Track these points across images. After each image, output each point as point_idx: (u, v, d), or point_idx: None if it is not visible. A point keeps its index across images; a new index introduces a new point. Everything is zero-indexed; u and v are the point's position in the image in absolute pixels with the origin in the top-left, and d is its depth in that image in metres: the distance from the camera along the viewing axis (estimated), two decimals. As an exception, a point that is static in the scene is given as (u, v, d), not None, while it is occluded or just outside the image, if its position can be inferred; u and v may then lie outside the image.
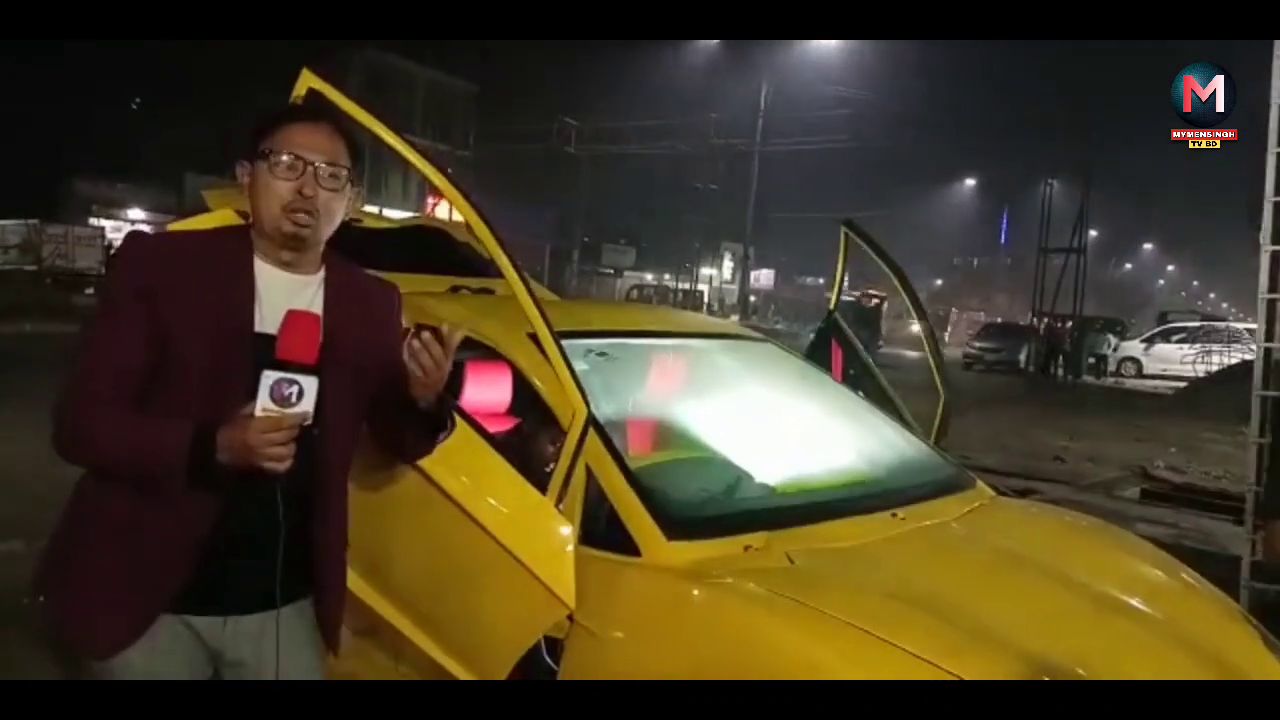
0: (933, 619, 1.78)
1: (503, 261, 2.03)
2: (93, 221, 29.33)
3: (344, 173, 1.60)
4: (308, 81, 2.01)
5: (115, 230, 29.59)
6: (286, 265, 1.61)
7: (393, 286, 1.82)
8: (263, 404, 1.40)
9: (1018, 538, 2.41)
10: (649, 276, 45.76)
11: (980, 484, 2.80)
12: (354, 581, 1.88)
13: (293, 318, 1.47)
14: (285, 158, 1.55)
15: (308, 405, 1.42)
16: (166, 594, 1.53)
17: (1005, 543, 2.34)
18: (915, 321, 3.82)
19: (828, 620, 1.70)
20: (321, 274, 1.65)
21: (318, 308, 1.60)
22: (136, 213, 31.25)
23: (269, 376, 1.40)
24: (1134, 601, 2.19)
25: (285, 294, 1.57)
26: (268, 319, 1.53)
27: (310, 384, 1.42)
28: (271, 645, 1.59)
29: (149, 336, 1.49)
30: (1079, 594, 2.14)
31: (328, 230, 1.62)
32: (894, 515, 2.30)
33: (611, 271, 45.12)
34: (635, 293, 39.34)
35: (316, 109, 1.67)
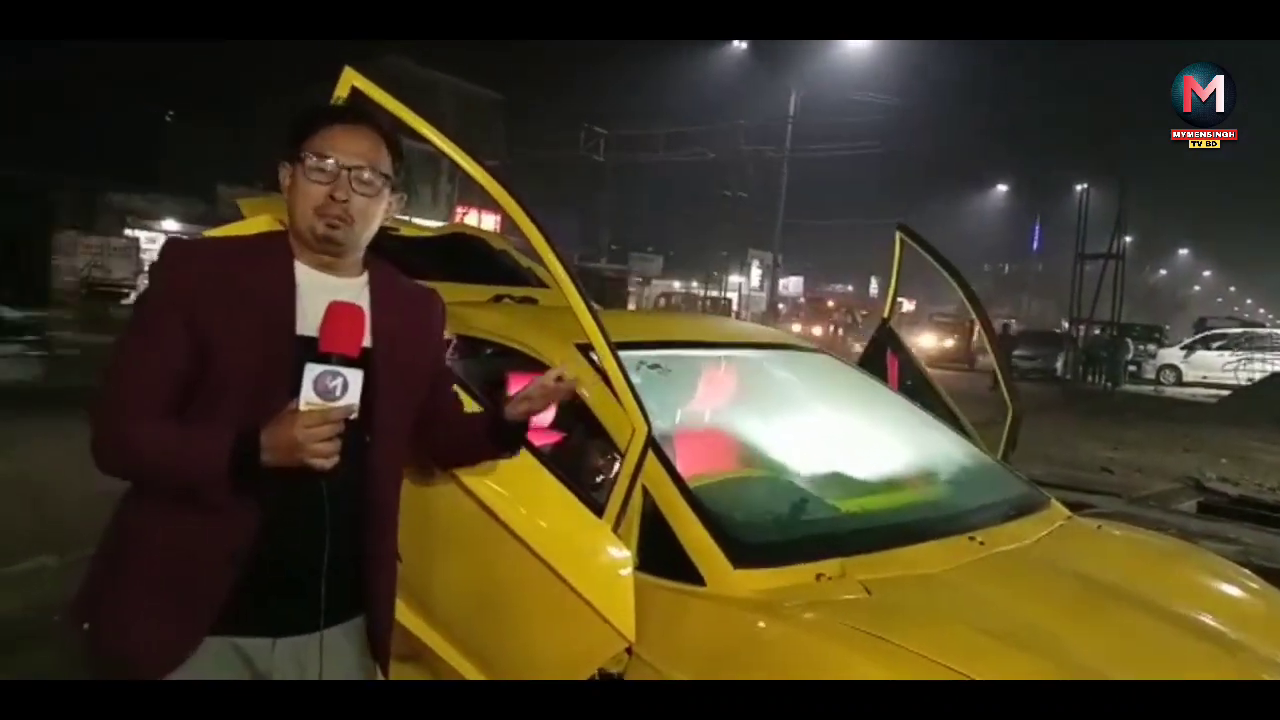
0: (1034, 657, 1.62)
1: (556, 269, 1.91)
2: (128, 232, 29.71)
3: (381, 178, 1.56)
4: (350, 80, 1.89)
5: (150, 241, 30.01)
6: (326, 268, 1.56)
7: (436, 294, 1.77)
8: (306, 398, 1.36)
9: (1105, 564, 2.24)
10: (676, 284, 45.62)
11: (1055, 503, 2.63)
12: (397, 607, 1.77)
13: (335, 309, 1.44)
14: (318, 161, 1.51)
15: (353, 398, 1.39)
16: (211, 613, 1.46)
17: (1093, 569, 2.17)
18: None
19: (921, 662, 1.55)
20: (364, 278, 1.62)
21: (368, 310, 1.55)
22: (170, 223, 31.63)
23: (312, 369, 1.37)
24: (1236, 634, 2.02)
25: (327, 296, 1.50)
26: (310, 322, 1.48)
27: (355, 377, 1.39)
28: (318, 668, 1.52)
29: (189, 344, 1.45)
30: (1179, 626, 1.98)
31: (364, 235, 1.57)
32: (972, 539, 2.14)
33: (639, 279, 45.02)
34: (664, 300, 39.19)
35: (358, 110, 1.61)
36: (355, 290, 1.58)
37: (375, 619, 1.64)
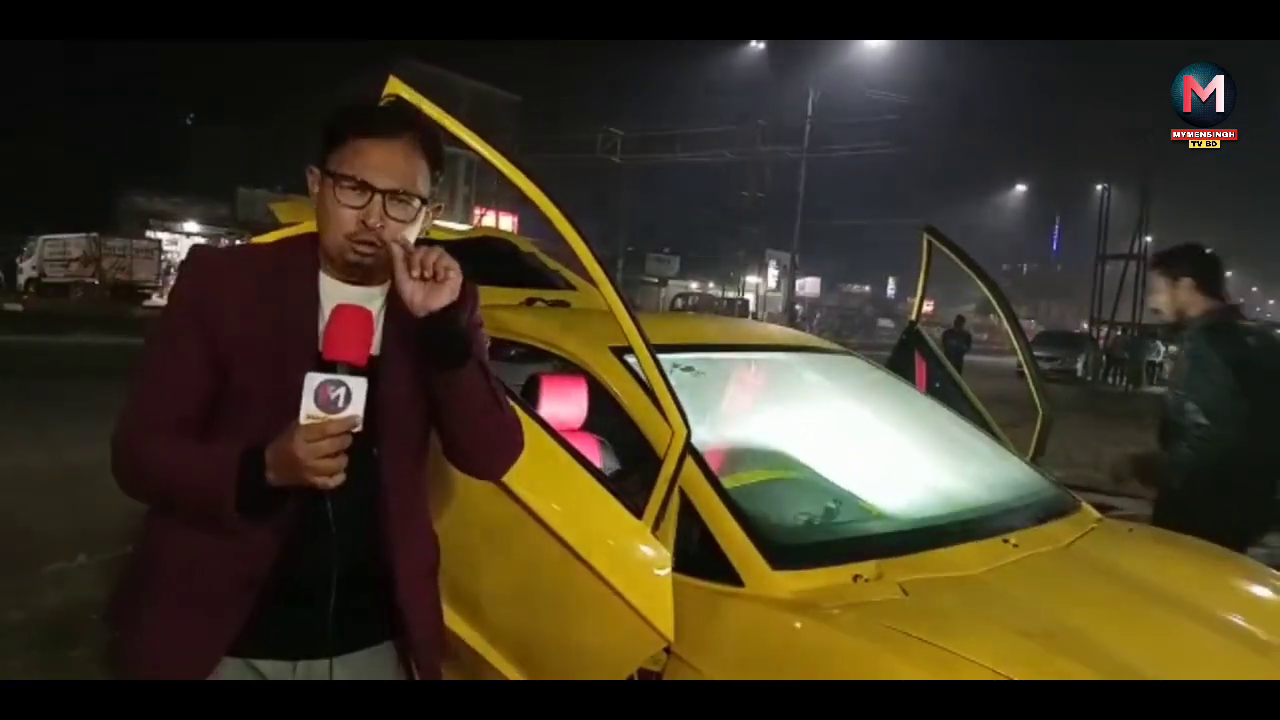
0: (1072, 659, 1.63)
1: (597, 274, 1.93)
2: (149, 234, 30.03)
3: (416, 201, 1.43)
4: (394, 89, 1.92)
5: (171, 243, 30.34)
6: (353, 280, 1.48)
7: (469, 283, 1.64)
8: (307, 410, 1.26)
9: (1139, 566, 2.24)
10: (693, 285, 45.62)
11: (1086, 506, 2.63)
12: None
13: (341, 312, 1.34)
14: (349, 184, 1.40)
15: (356, 409, 1.28)
16: (228, 635, 1.43)
17: (1127, 571, 2.17)
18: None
19: (959, 663, 1.56)
20: (388, 284, 1.49)
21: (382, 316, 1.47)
22: (191, 225, 31.97)
23: (313, 379, 1.27)
24: (1268, 636, 2.02)
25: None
26: None
27: (358, 385, 1.28)
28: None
29: (209, 359, 1.40)
30: (1214, 628, 1.98)
31: None
32: (1006, 541, 2.15)
33: (655, 280, 45.05)
34: (680, 302, 39.19)
35: (393, 117, 1.48)
36: (380, 298, 1.49)
37: (414, 640, 1.56)
